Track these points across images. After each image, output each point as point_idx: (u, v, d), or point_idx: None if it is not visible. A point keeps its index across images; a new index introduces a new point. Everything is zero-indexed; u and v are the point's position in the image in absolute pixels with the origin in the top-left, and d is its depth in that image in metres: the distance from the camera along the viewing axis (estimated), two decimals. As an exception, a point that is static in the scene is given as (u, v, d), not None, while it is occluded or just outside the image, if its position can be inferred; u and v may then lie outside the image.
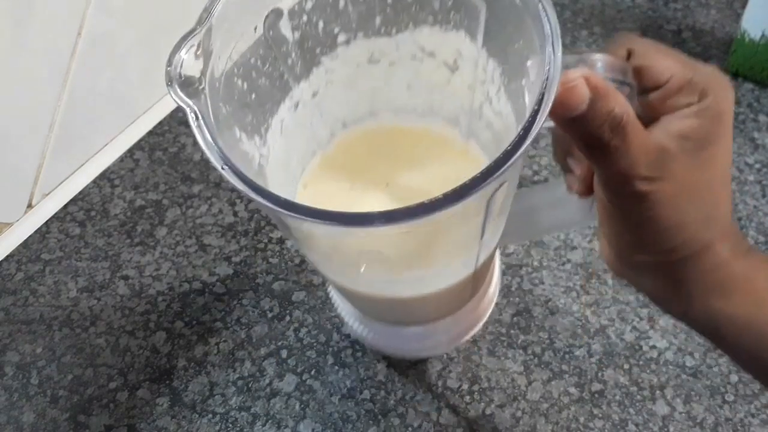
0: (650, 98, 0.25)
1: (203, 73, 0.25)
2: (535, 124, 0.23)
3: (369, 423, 0.42)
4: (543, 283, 0.48)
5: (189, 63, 0.24)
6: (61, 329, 0.46)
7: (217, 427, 0.42)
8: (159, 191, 0.54)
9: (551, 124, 0.25)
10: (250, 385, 0.43)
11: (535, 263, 0.50)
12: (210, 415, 0.42)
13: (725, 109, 0.24)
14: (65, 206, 0.53)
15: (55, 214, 0.52)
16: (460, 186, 0.22)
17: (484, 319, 0.43)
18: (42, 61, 0.48)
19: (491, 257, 0.35)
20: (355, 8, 0.32)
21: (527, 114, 0.23)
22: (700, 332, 0.28)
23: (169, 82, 0.24)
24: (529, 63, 0.27)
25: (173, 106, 0.60)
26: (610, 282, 0.48)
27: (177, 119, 0.60)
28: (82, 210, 0.53)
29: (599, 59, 0.25)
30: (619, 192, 0.25)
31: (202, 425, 0.42)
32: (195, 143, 0.58)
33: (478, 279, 0.35)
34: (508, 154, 0.23)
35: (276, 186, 0.32)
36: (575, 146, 0.25)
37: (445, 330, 0.41)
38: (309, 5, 0.31)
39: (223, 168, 0.23)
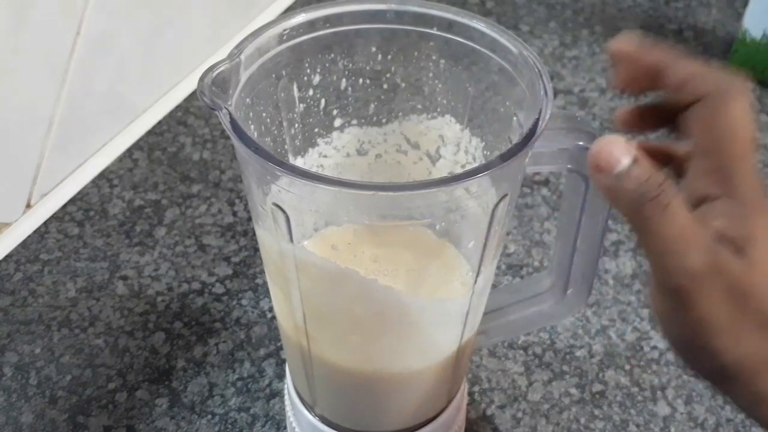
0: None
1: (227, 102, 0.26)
2: (537, 130, 0.24)
3: (369, 424, 0.42)
4: (543, 283, 0.47)
5: (215, 91, 0.25)
6: (60, 329, 0.46)
7: (217, 428, 0.41)
8: (158, 191, 0.54)
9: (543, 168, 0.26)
10: (249, 386, 0.43)
11: (536, 263, 0.49)
12: (209, 416, 0.42)
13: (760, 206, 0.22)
14: (64, 206, 0.53)
15: (54, 214, 0.52)
16: (468, 170, 0.23)
17: None
18: (40, 60, 0.48)
19: (471, 348, 0.34)
20: (354, 92, 0.33)
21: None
22: None
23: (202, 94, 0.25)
24: (514, 119, 0.29)
25: (172, 105, 0.60)
26: (610, 282, 0.48)
27: (176, 119, 0.59)
28: (80, 210, 0.53)
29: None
30: (662, 281, 0.22)
31: (201, 426, 0.41)
32: (194, 143, 0.58)
33: (457, 369, 0.33)
34: (512, 150, 0.24)
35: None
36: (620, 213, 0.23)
37: None
38: (317, 80, 0.32)
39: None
